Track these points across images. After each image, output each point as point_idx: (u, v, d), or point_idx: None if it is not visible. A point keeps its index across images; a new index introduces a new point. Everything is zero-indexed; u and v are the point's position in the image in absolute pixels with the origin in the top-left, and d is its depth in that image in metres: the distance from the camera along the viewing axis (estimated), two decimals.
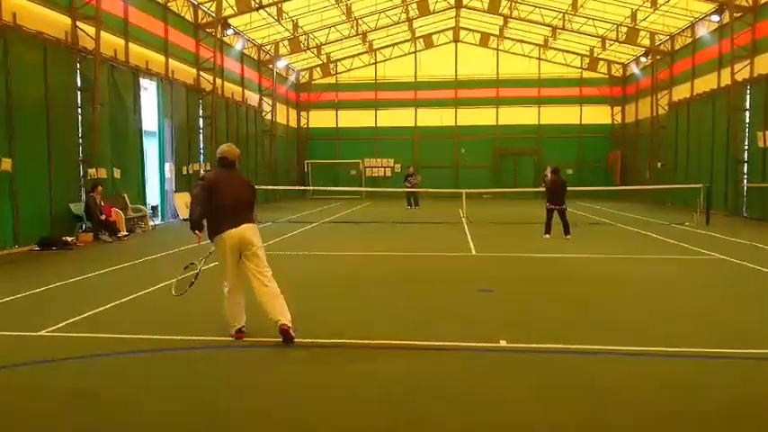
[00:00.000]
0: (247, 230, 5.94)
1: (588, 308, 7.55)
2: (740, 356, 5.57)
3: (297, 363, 5.47)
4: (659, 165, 29.27)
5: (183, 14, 21.91)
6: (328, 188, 30.83)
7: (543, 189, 27.42)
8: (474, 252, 12.37)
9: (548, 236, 14.28)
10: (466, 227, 17.46)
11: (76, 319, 6.87)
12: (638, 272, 10.23)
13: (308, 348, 5.87)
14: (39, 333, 6.33)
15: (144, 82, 18.97)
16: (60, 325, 6.60)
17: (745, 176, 21.84)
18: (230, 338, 5.98)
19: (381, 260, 11.51)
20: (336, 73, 37.68)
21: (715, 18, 23.29)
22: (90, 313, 7.12)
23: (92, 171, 15.47)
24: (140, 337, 6.17)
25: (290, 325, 5.75)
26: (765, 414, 4.31)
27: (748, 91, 21.59)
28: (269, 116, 31.38)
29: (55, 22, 14.67)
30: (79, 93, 15.46)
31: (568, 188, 15.19)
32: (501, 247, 13.04)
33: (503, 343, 5.87)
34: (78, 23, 15.30)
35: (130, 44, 18.06)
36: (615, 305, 7.74)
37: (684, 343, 6.01)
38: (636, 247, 13.27)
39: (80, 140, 15.50)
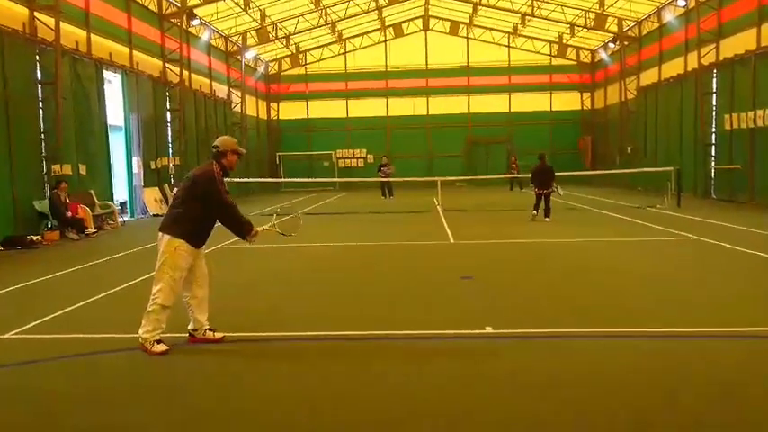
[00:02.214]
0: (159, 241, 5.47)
1: (571, 292, 7.51)
2: (724, 335, 5.58)
3: (277, 358, 5.29)
4: (629, 149, 29.63)
5: (146, 4, 21.32)
6: (301, 180, 30.50)
7: (514, 175, 27.91)
8: (452, 240, 12.30)
9: (535, 212, 15.08)
10: (442, 215, 17.40)
11: (45, 319, 6.56)
12: (617, 254, 10.27)
13: (289, 342, 5.70)
14: (5, 336, 6.02)
15: (108, 74, 18.41)
16: (29, 326, 6.30)
17: (713, 159, 22.23)
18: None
19: (359, 250, 11.36)
20: (306, 64, 37.22)
21: (681, 3, 23.57)
22: (59, 313, 6.82)
23: (56, 167, 14.95)
24: (113, 336, 5.91)
25: (140, 341, 5.32)
26: (761, 392, 4.28)
27: (714, 75, 21.93)
28: (238, 108, 30.85)
29: (11, 13, 14.07)
30: (40, 86, 14.90)
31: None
32: (478, 235, 12.98)
33: (488, 330, 5.77)
34: (36, 14, 14.71)
35: (93, 35, 17.47)
36: (598, 288, 7.73)
37: (671, 323, 5.99)
38: (612, 230, 13.34)
39: (42, 136, 14.95)
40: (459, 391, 4.33)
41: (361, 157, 36.90)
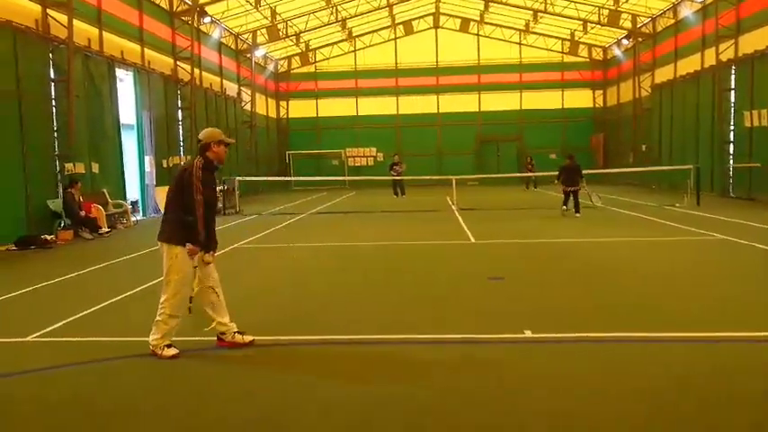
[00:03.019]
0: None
1: (605, 293, 7.25)
2: None
3: (302, 363, 5.06)
4: (643, 147, 29.27)
5: (157, 2, 21.15)
6: (311, 178, 30.30)
7: (529, 174, 27.63)
8: (473, 240, 12.04)
9: (565, 207, 15.88)
10: (458, 214, 17.15)
11: (64, 322, 6.38)
12: (646, 254, 9.99)
13: (321, 346, 5.48)
14: (25, 339, 5.84)
15: (120, 73, 18.23)
16: (48, 329, 6.13)
17: (731, 157, 21.88)
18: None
19: (378, 251, 11.12)
20: (315, 62, 37.01)
21: None
22: (78, 316, 6.64)
23: (69, 166, 14.79)
24: (133, 340, 5.69)
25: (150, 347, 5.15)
26: None
27: (733, 71, 21.57)
28: (248, 107, 30.66)
29: (24, 10, 13.91)
30: (53, 84, 14.75)
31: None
32: (499, 234, 12.74)
33: (528, 333, 5.54)
34: (49, 11, 14.55)
35: (105, 33, 17.29)
36: (633, 290, 7.44)
37: (711, 327, 5.73)
38: (635, 229, 13.06)
39: (55, 134, 14.80)
40: (509, 400, 4.11)
41: (370, 156, 36.65)
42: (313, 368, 4.90)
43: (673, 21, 26.62)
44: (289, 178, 31.06)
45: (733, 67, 21.47)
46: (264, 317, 6.38)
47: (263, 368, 4.94)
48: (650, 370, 4.62)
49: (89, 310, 6.85)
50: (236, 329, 5.38)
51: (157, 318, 5.16)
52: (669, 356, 4.97)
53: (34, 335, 5.94)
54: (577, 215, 15.52)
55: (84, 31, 16.17)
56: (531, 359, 4.98)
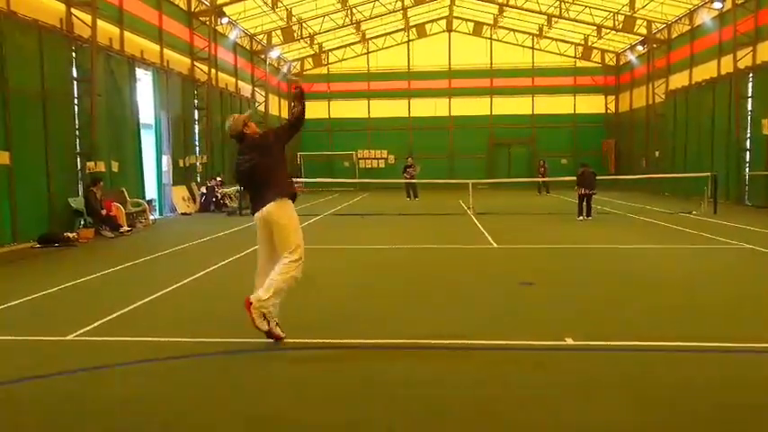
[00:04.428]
0: None
1: (641, 301, 7.18)
2: None
3: (351, 367, 5.08)
4: (656, 153, 29.19)
5: (176, 2, 21.25)
6: (324, 180, 30.33)
7: (542, 179, 27.59)
8: (495, 244, 12.03)
9: (581, 218, 16.16)
10: (474, 218, 17.14)
11: (102, 321, 6.40)
12: (673, 262, 9.95)
13: (370, 350, 5.49)
14: (66, 338, 5.87)
15: (138, 72, 18.32)
16: (87, 328, 6.15)
17: (747, 164, 21.80)
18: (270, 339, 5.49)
19: (403, 253, 11.13)
20: (328, 63, 37.08)
21: (717, 5, 23.08)
22: (115, 315, 6.66)
23: (90, 164, 14.88)
24: (172, 341, 5.74)
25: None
26: None
27: (751, 78, 21.51)
28: (262, 107, 30.73)
29: (49, 9, 13.99)
30: (75, 83, 14.84)
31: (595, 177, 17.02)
32: (520, 239, 12.73)
33: (569, 341, 5.54)
34: (73, 10, 14.64)
35: (125, 33, 17.39)
36: (668, 298, 7.37)
37: (758, 337, 5.73)
38: (656, 236, 13.03)
39: (77, 132, 14.89)
40: (557, 409, 4.12)
41: (382, 158, 36.69)
42: (369, 371, 4.92)
43: (689, 27, 26.57)
44: (306, 180, 30.93)
45: (750, 75, 21.41)
46: (307, 319, 6.39)
47: (313, 367, 4.97)
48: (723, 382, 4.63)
49: (125, 309, 6.88)
50: (277, 321, 5.49)
51: (277, 276, 5.27)
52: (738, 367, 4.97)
53: (74, 334, 5.97)
54: (589, 218, 16.21)
55: (106, 30, 16.26)
56: (578, 367, 4.98)
